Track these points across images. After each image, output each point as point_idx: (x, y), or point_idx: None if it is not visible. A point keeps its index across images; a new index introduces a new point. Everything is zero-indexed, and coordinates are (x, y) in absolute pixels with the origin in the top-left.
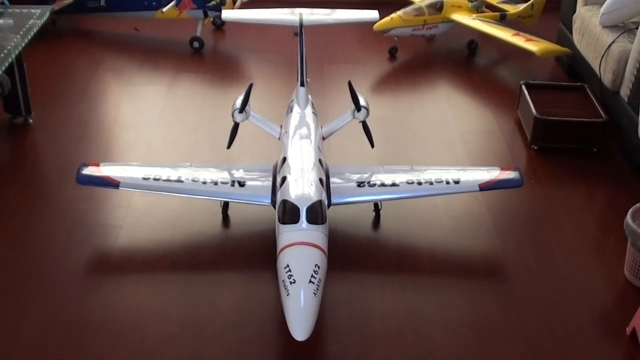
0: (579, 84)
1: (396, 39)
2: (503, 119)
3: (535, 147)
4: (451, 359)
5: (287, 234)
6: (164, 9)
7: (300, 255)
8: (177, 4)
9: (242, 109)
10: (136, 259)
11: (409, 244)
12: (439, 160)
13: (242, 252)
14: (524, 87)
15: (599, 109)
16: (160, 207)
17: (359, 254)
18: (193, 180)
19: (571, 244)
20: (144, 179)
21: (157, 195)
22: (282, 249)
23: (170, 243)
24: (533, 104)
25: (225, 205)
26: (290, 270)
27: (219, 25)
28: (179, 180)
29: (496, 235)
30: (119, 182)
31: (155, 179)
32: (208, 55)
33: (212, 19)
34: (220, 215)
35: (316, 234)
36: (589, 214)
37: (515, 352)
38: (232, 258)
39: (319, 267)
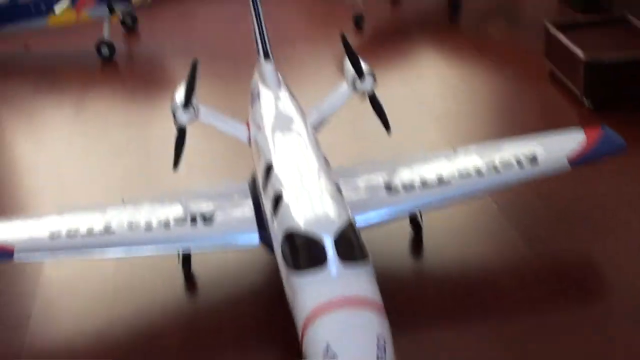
0: (617, 15)
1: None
2: (525, 74)
3: (590, 103)
4: None
5: (310, 289)
6: (57, 10)
7: (349, 325)
8: (72, 3)
9: (188, 102)
10: None
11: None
12: (457, 139)
13: (226, 331)
14: (551, 28)
15: None
16: (89, 274)
17: (402, 296)
18: (130, 227)
19: None
20: (52, 238)
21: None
22: (310, 318)
23: (110, 332)
24: (577, 46)
25: (186, 259)
26: (335, 356)
27: (131, 26)
28: (109, 231)
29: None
30: (13, 249)
31: (70, 236)
32: (122, 62)
33: (121, 18)
34: (181, 275)
35: (361, 280)
36: None
37: None
38: (211, 344)
39: (385, 341)
